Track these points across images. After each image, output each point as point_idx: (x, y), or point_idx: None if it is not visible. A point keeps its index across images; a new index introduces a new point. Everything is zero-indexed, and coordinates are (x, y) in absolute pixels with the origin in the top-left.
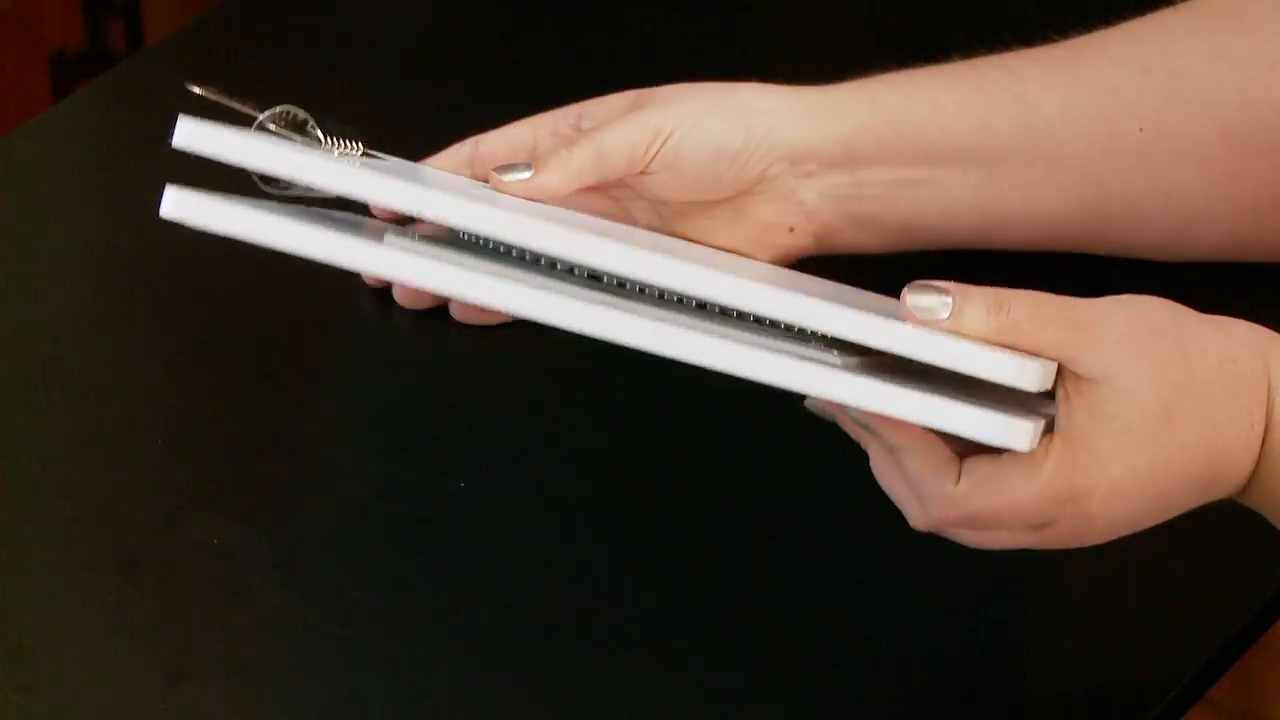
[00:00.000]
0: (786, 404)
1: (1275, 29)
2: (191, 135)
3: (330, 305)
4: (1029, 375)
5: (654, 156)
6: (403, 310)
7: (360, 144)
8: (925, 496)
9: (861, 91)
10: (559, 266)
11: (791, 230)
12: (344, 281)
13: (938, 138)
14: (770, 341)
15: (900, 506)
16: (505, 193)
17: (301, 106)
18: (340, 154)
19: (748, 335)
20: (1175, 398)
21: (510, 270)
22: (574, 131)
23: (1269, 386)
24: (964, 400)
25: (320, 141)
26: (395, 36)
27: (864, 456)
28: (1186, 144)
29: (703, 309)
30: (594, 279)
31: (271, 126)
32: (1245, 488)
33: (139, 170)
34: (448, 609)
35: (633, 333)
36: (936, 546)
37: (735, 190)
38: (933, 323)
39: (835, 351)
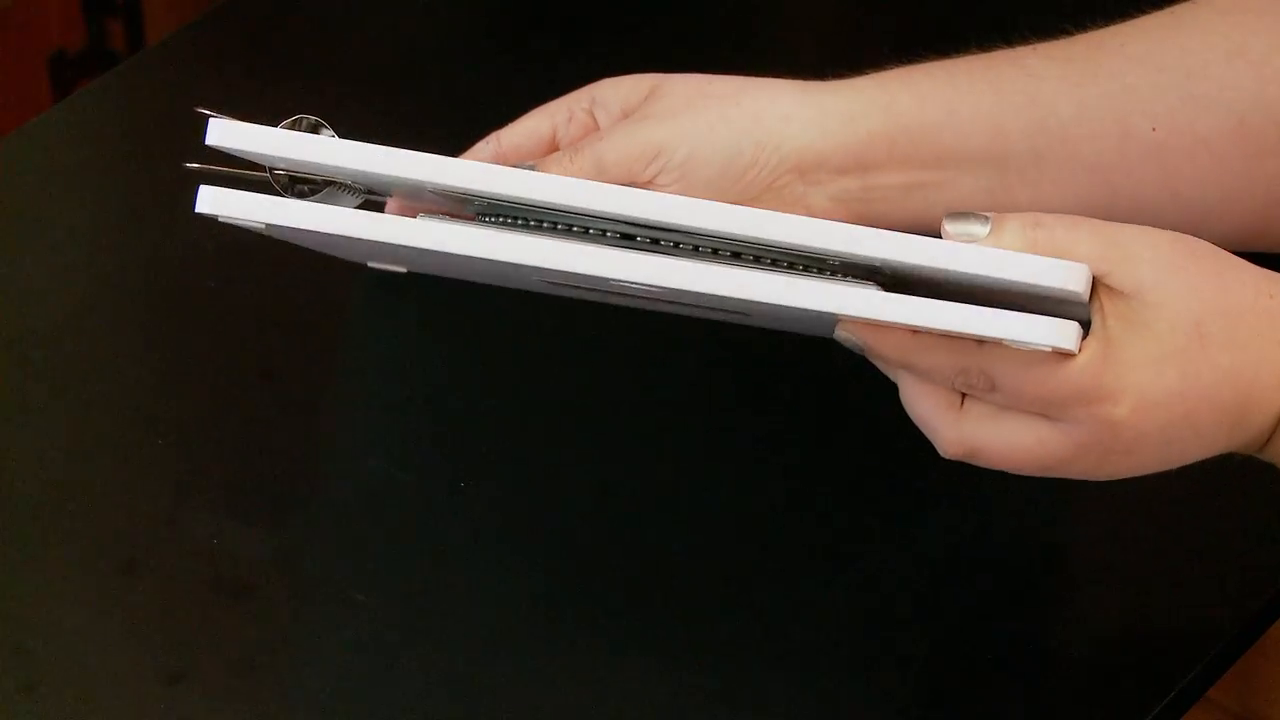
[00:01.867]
0: (789, 402)
1: None
2: (226, 134)
3: (330, 305)
4: (1076, 277)
5: (656, 173)
6: (403, 310)
7: None
8: (955, 368)
9: (876, 94)
10: (588, 230)
11: None
12: (344, 281)
13: (951, 142)
14: (812, 276)
15: (929, 433)
16: None
17: (310, 112)
18: None
19: (786, 273)
20: (1208, 317)
21: (555, 235)
22: (588, 117)
23: None
24: (1004, 308)
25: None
26: (396, 36)
27: (868, 448)
28: (1199, 143)
29: (736, 257)
30: (627, 238)
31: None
32: (1270, 437)
33: (139, 170)
34: (448, 609)
35: (686, 276)
36: (940, 542)
37: (742, 199)
38: (972, 241)
39: (871, 283)
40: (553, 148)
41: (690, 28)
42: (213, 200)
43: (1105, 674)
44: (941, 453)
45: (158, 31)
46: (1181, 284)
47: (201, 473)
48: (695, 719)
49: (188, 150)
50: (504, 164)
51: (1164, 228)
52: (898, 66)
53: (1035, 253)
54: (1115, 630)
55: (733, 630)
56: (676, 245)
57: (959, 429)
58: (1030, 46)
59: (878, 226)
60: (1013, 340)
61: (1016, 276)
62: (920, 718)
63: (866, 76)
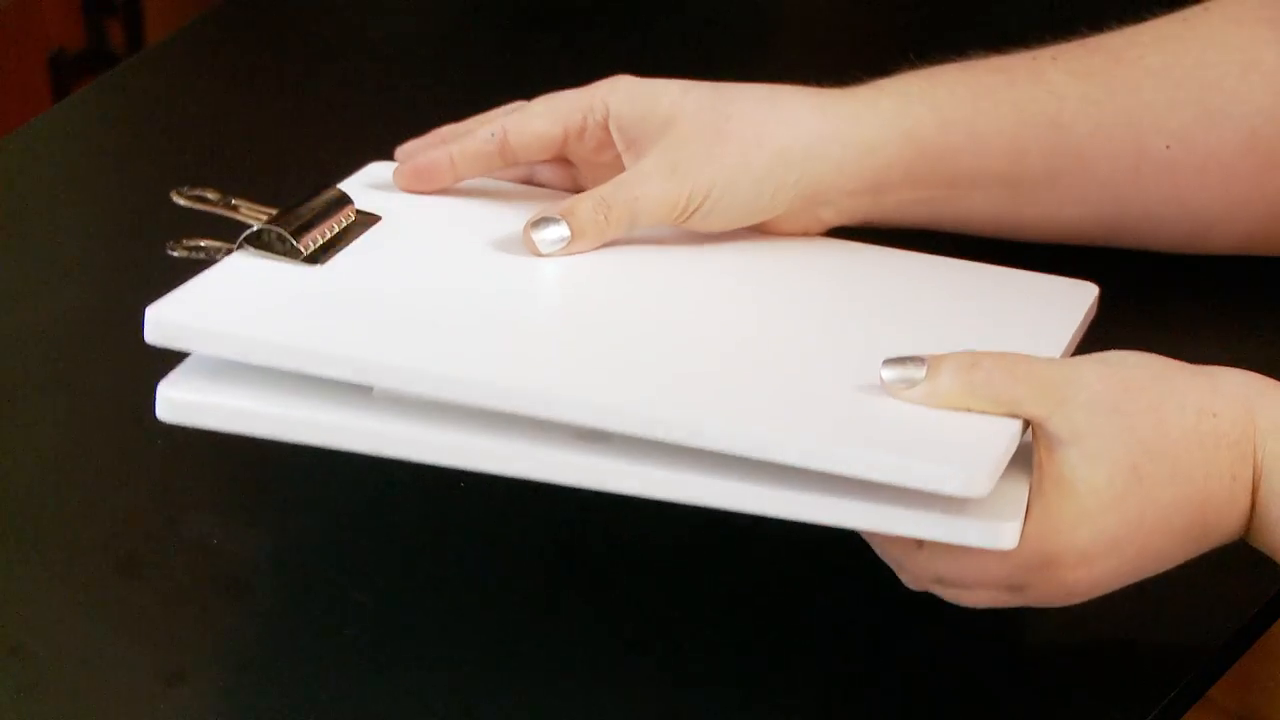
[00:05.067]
0: None
1: None
2: (176, 407)
3: None
4: (978, 485)
5: (683, 220)
6: None
7: (351, 212)
8: (897, 561)
9: (899, 119)
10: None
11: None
12: None
13: (969, 164)
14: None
15: (894, 568)
16: (540, 253)
17: (311, 110)
18: (326, 241)
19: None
20: (1144, 458)
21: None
22: (603, 131)
23: (1255, 437)
24: (942, 508)
25: (300, 252)
26: (395, 35)
27: None
28: (1211, 158)
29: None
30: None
31: (250, 250)
32: (1248, 534)
33: (139, 170)
34: (448, 609)
35: (628, 483)
36: None
37: (755, 223)
38: (910, 389)
39: None
40: (560, 154)
41: (692, 23)
42: (171, 407)
43: (1105, 674)
44: (908, 585)
45: (158, 31)
46: (1118, 427)
47: (201, 472)
48: None
49: (187, 150)
50: (509, 161)
51: (1170, 237)
52: (918, 67)
53: (972, 398)
54: (1115, 630)
55: (730, 630)
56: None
57: (919, 563)
58: (1051, 54)
59: (879, 229)
60: (945, 541)
61: (905, 484)
62: (920, 718)
63: (889, 92)
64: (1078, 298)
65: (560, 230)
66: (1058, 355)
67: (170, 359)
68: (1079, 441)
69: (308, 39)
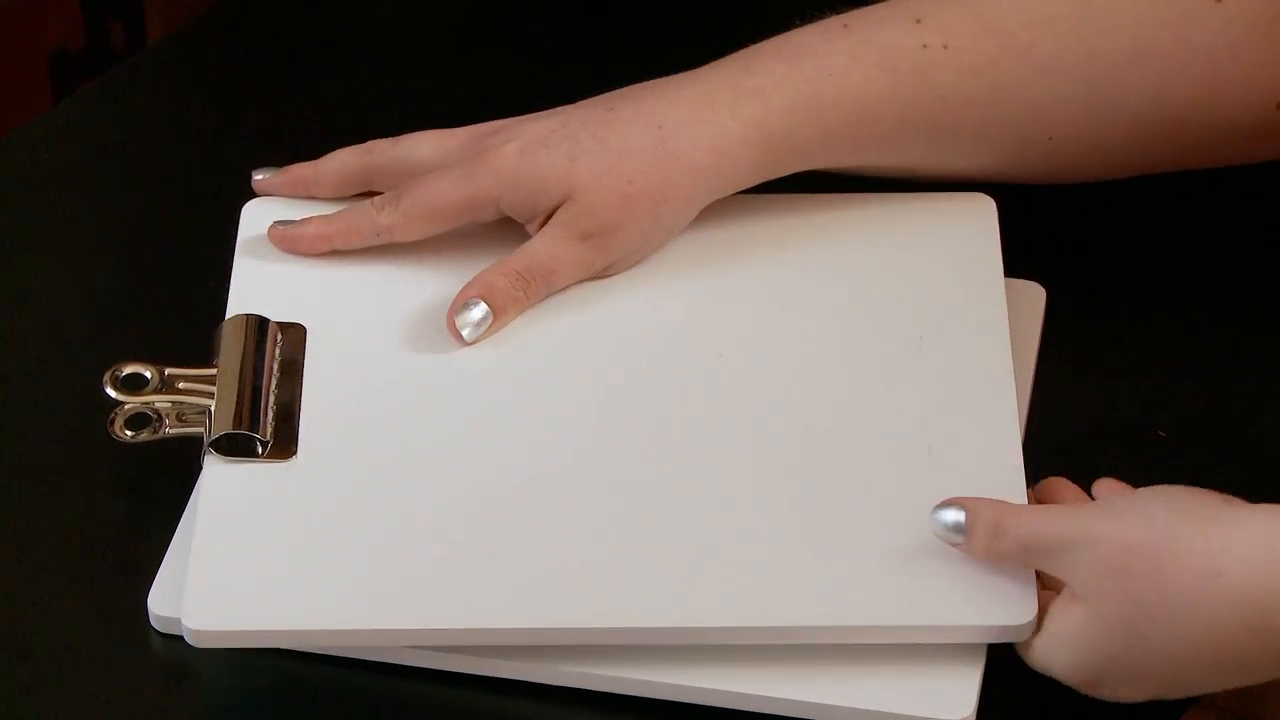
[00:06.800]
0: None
1: (1203, 12)
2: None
3: None
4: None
5: (600, 275)
6: None
7: (276, 337)
8: None
9: (786, 139)
10: None
11: None
12: None
13: (855, 164)
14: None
15: None
16: (466, 340)
17: (312, 109)
18: (279, 394)
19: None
20: (1145, 620)
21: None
22: (501, 217)
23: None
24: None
25: (267, 443)
26: (395, 36)
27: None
28: (1094, 146)
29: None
30: None
31: (214, 453)
32: None
33: (139, 170)
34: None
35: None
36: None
37: None
38: (950, 542)
39: None
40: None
41: (689, 29)
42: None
43: None
44: None
45: (158, 31)
46: (1120, 591)
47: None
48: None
49: (187, 150)
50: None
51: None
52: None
53: (1000, 561)
54: None
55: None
56: None
57: None
58: (942, 41)
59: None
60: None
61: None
62: None
63: (775, 108)
64: (982, 214)
65: (481, 310)
66: (999, 277)
67: (167, 354)
68: (1087, 601)
69: (308, 38)
